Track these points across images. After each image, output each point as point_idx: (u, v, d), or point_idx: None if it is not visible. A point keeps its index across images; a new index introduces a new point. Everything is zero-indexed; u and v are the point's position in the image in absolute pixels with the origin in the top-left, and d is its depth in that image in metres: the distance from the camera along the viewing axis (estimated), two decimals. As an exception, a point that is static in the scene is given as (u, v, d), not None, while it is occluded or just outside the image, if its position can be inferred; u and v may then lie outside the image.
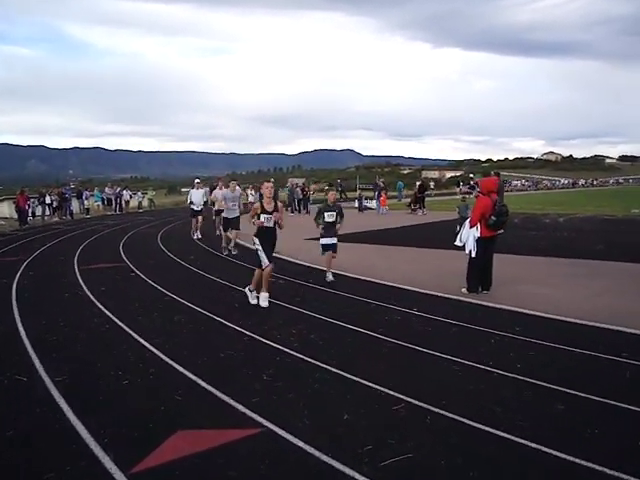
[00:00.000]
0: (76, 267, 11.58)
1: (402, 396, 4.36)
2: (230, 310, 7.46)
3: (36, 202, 27.89)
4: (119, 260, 12.51)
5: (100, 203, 34.19)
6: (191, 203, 16.97)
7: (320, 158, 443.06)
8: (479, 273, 8.30)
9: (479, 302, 7.73)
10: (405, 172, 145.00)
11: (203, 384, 4.72)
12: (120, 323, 6.84)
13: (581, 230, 18.16)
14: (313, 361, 5.26)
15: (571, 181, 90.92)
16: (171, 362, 5.31)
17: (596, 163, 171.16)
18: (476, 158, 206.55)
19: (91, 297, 8.47)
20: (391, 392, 4.45)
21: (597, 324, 6.47)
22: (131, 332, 6.41)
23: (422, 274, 10.01)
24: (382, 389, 4.53)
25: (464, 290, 8.31)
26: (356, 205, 30.48)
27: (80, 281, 9.85)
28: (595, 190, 69.25)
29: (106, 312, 7.44)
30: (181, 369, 5.11)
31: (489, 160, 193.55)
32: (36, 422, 4.07)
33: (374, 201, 30.94)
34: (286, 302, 7.79)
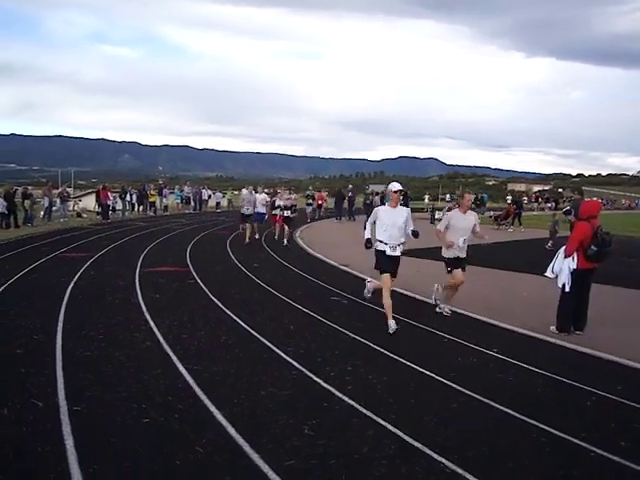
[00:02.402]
0: (138, 268, 11.21)
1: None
2: (285, 333, 6.70)
3: (117, 197, 28.37)
4: (183, 264, 12.08)
5: (179, 201, 34.59)
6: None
7: (403, 165, 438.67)
8: (572, 310, 7.16)
9: (572, 346, 6.57)
10: (490, 183, 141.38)
11: (232, 432, 3.96)
12: (162, 340, 6.22)
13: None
14: (366, 412, 4.39)
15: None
16: (203, 398, 4.58)
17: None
18: (566, 172, 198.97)
19: (142, 305, 7.95)
20: (465, 473, 3.52)
21: None
22: (171, 353, 5.75)
23: (507, 304, 8.90)
24: (447, 463, 3.61)
25: (553, 329, 7.18)
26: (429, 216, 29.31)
27: (137, 285, 9.40)
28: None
29: (151, 324, 6.86)
30: (212, 408, 4.37)
31: (580, 175, 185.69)
32: (34, 465, 3.44)
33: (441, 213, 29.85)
34: (349, 329, 6.93)
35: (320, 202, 30.78)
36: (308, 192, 30.50)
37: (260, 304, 8.36)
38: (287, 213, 16.39)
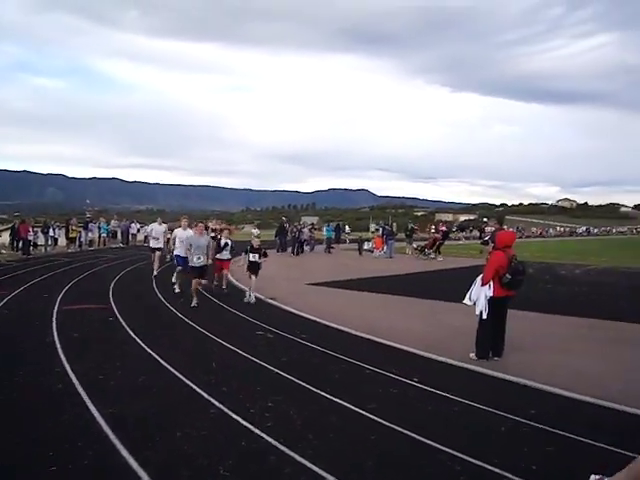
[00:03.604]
0: (57, 307, 10.75)
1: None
2: (207, 370, 6.55)
3: (38, 232, 27.29)
4: (105, 301, 11.68)
5: (105, 235, 33.60)
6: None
7: (335, 197, 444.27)
8: (490, 337, 7.37)
9: (489, 372, 6.74)
10: (419, 214, 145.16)
11: (145, 477, 3.82)
12: (76, 382, 5.95)
13: (601, 284, 17.11)
14: (284, 449, 4.33)
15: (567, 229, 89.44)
16: (116, 442, 4.39)
17: (611, 211, 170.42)
18: (490, 202, 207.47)
19: (57, 345, 7.62)
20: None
21: (630, 409, 5.42)
22: (85, 396, 5.51)
23: (428, 333, 9.06)
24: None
25: (472, 355, 7.35)
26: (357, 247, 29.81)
27: (54, 325, 9.00)
28: (614, 239, 67.86)
29: (66, 366, 6.57)
30: (124, 453, 4.19)
31: (503, 205, 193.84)
32: None
33: (370, 243, 30.65)
34: (273, 364, 6.85)
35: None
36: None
37: (183, 341, 8.18)
38: (254, 257, 12.26)
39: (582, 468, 4.11)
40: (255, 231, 30.87)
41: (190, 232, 12.72)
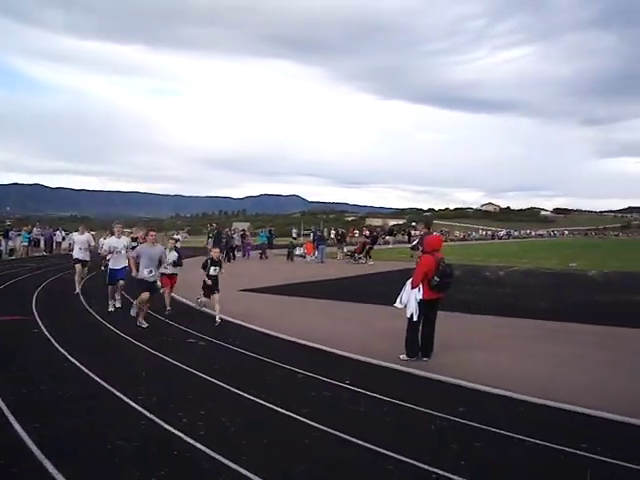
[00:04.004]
0: (-27, 320, 10.22)
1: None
2: (137, 380, 6.40)
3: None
4: (27, 312, 11.18)
5: (27, 244, 32.19)
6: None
7: (266, 203, 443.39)
8: (419, 337, 7.57)
9: (419, 373, 6.92)
10: (350, 219, 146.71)
11: (73, 494, 3.70)
12: (-4, 398, 5.69)
13: (523, 285, 17.87)
14: (217, 456, 4.29)
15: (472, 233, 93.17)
16: (42, 458, 4.22)
17: (532, 215, 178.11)
18: (419, 207, 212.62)
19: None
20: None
21: (553, 403, 5.70)
22: (6, 411, 5.27)
23: (360, 336, 9.19)
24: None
25: (403, 357, 7.52)
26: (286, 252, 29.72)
27: (-30, 339, 8.56)
28: (535, 242, 70.94)
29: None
30: (51, 469, 4.04)
31: (431, 209, 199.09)
32: None
33: (302, 248, 30.78)
34: (204, 372, 6.78)
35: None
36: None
37: (111, 351, 7.97)
38: (215, 270, 10.65)
39: (508, 462, 4.31)
40: (177, 236, 29.98)
41: (124, 240, 11.80)
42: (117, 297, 11.77)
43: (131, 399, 5.67)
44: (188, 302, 12.24)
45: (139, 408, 5.42)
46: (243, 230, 33.73)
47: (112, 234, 12.56)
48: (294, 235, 42.34)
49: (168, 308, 11.22)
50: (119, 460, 4.24)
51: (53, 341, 8.44)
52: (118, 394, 5.85)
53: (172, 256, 11.33)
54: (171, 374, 6.76)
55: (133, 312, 10.18)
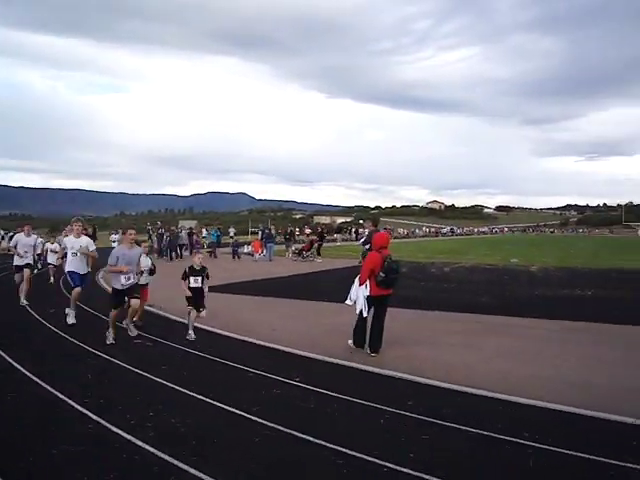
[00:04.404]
0: None
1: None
2: (82, 383, 6.25)
3: None
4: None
5: (-39, 244, 30.95)
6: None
7: (213, 201, 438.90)
8: (366, 328, 7.77)
9: (367, 369, 7.02)
10: (297, 217, 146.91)
11: (17, 501, 3.60)
12: None
13: (467, 281, 18.30)
14: (167, 457, 4.25)
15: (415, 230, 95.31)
16: (-18, 467, 4.11)
17: (476, 212, 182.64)
18: (366, 205, 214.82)
19: None
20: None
21: (496, 395, 5.87)
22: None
23: (309, 333, 9.24)
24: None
25: (350, 342, 7.82)
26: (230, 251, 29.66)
27: None
28: (477, 238, 72.68)
29: None
30: (-7, 477, 3.93)
31: (378, 207, 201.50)
32: None
33: (249, 247, 30.95)
34: (152, 372, 6.68)
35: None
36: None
37: (55, 353, 7.76)
38: (196, 282, 8.89)
39: (455, 453, 4.43)
40: (114, 236, 29.29)
41: (84, 240, 10.08)
42: (72, 310, 10.06)
43: (77, 402, 5.53)
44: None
45: (85, 411, 5.30)
46: (190, 228, 33.29)
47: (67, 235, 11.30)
48: (232, 233, 42.03)
49: (135, 320, 9.39)
50: (66, 466, 4.14)
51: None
52: (63, 397, 5.70)
53: (146, 263, 9.85)
54: (118, 376, 6.64)
55: (109, 337, 8.42)
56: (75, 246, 9.96)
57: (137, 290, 8.95)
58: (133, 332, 8.84)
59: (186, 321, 8.99)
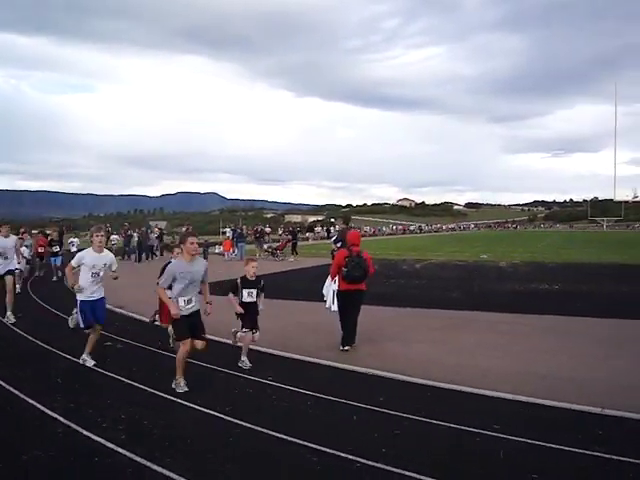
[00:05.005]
0: None
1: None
2: (51, 387, 6.17)
3: None
4: None
5: None
6: None
7: (183, 201, 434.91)
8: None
9: (340, 366, 7.05)
10: (269, 216, 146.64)
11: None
12: None
13: (438, 277, 18.52)
14: (140, 460, 4.21)
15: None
16: (-51, 473, 4.03)
17: (446, 209, 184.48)
18: (337, 203, 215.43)
19: None
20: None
21: (468, 389, 5.97)
22: None
23: (282, 332, 9.24)
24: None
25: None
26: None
27: None
28: (445, 235, 73.51)
29: None
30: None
31: (349, 205, 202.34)
32: None
33: (220, 247, 31.18)
34: (124, 375, 6.62)
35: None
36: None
37: (20, 357, 7.62)
38: (250, 296, 7.16)
39: (426, 446, 4.49)
40: (74, 240, 27.94)
41: (108, 255, 7.37)
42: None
43: (46, 407, 5.45)
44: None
45: (55, 415, 5.22)
46: (160, 229, 33.01)
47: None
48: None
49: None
50: (36, 471, 4.08)
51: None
52: (31, 402, 5.62)
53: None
54: (88, 379, 6.56)
55: (180, 386, 6.04)
56: (98, 264, 7.08)
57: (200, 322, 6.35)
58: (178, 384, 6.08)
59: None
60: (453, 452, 4.41)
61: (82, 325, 7.07)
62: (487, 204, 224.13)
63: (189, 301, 6.13)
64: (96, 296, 7.15)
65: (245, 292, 7.05)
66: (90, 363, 7.05)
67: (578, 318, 10.28)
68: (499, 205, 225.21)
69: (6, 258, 10.11)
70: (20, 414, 5.33)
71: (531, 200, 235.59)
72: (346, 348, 7.71)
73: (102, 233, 7.32)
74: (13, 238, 10.51)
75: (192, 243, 6.18)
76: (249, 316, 7.09)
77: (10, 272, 10.24)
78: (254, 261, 7.40)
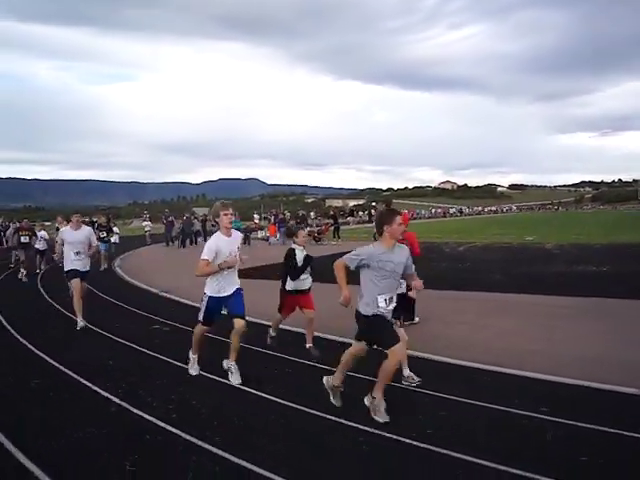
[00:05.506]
0: None
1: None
2: (104, 368, 6.39)
3: None
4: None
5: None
6: None
7: (225, 187, 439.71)
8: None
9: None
10: (309, 201, 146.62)
11: (46, 480, 3.71)
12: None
13: (482, 260, 18.27)
14: (191, 439, 4.35)
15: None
16: (13, 449, 4.20)
17: (489, 191, 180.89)
18: (377, 187, 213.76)
19: None
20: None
21: (513, 371, 5.92)
22: (-29, 406, 5.22)
23: (322, 314, 9.29)
24: (271, 475, 3.71)
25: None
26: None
27: None
28: (487, 218, 72.36)
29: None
30: (23, 459, 4.04)
31: (390, 189, 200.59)
32: None
33: (263, 231, 31.77)
34: (172, 357, 6.80)
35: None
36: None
37: (76, 340, 7.90)
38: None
39: (472, 427, 4.49)
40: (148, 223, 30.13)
41: (236, 235, 6.13)
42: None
43: (100, 387, 5.66)
44: (154, 289, 12.15)
45: (108, 395, 5.43)
46: (204, 215, 33.48)
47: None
48: (257, 220, 42.00)
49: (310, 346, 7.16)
50: (92, 447, 4.26)
51: (14, 333, 8.32)
52: (86, 383, 5.84)
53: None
54: (138, 361, 6.76)
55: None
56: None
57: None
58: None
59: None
60: (499, 433, 4.40)
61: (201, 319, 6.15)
62: (532, 185, 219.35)
63: (390, 300, 4.95)
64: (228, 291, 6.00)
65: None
66: (194, 370, 6.15)
67: (626, 301, 10.01)
68: (545, 186, 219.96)
69: (78, 253, 8.77)
70: (75, 394, 5.56)
71: (578, 181, 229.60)
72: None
73: (231, 211, 5.94)
74: (86, 230, 9.15)
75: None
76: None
77: (86, 275, 9.02)
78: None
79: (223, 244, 5.85)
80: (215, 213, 5.94)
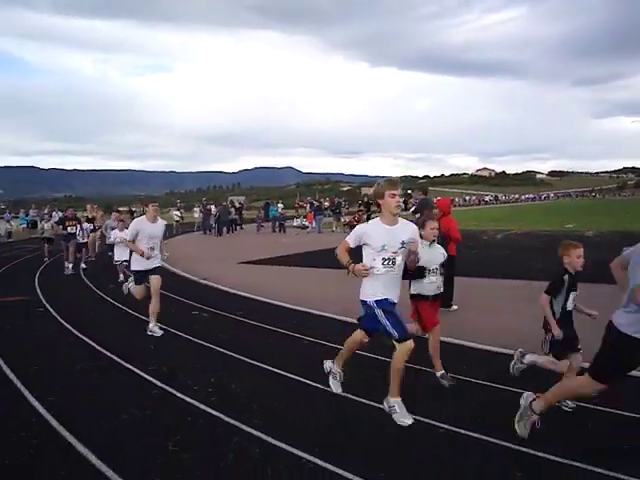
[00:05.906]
0: (-21, 301, 10.33)
1: (339, 470, 3.61)
2: (145, 352, 6.55)
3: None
4: (31, 292, 11.29)
5: (25, 226, 32.27)
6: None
7: (260, 176, 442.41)
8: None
9: (425, 335, 7.06)
10: (345, 189, 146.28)
11: (93, 460, 3.82)
12: (10, 374, 5.82)
13: (520, 248, 18.00)
14: (232, 421, 4.43)
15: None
16: (61, 429, 4.35)
17: (528, 178, 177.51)
18: (414, 175, 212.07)
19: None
20: (327, 465, 3.69)
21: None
22: (21, 387, 5.41)
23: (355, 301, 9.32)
24: (315, 460, 3.76)
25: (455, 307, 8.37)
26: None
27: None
28: (526, 205, 71.04)
29: (-2, 360, 6.40)
30: (71, 439, 4.17)
31: (426, 177, 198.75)
32: None
33: (299, 219, 32.09)
34: (211, 341, 6.92)
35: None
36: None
37: (117, 326, 8.11)
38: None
39: (500, 410, 4.46)
40: (177, 213, 30.80)
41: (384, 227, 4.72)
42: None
43: (142, 370, 5.81)
44: (192, 277, 12.35)
45: (150, 378, 5.56)
46: (240, 204, 33.85)
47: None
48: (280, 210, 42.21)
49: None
50: (135, 428, 4.38)
51: (59, 318, 8.56)
52: (128, 366, 5.99)
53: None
54: (178, 346, 6.90)
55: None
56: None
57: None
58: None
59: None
60: (548, 423, 4.35)
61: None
62: (573, 172, 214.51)
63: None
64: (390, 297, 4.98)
65: (571, 296, 5.19)
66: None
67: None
68: (586, 173, 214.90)
69: (153, 249, 7.72)
70: (118, 377, 5.70)
71: (620, 167, 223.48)
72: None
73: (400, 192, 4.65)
74: (161, 223, 7.98)
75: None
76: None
77: (157, 270, 7.86)
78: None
79: (381, 234, 4.65)
80: (378, 194, 4.62)
